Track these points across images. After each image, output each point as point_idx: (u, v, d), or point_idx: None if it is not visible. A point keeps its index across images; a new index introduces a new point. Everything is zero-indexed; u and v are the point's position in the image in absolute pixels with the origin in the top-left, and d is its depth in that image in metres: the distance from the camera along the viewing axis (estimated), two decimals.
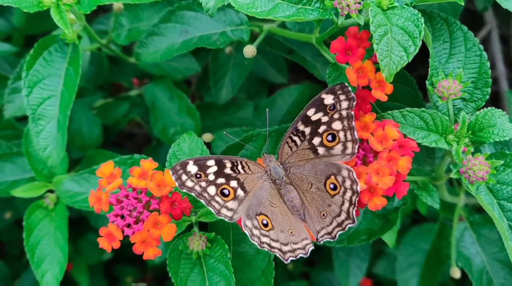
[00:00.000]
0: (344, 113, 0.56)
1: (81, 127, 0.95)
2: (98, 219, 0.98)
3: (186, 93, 0.93)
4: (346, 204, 0.56)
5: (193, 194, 0.56)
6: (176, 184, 0.56)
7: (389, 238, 0.70)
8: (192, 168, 0.56)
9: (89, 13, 0.69)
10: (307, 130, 0.57)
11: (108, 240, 0.58)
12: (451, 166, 0.58)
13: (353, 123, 0.56)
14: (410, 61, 0.51)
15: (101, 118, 0.98)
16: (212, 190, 0.57)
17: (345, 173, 0.56)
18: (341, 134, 0.56)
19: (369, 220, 0.69)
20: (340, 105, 0.56)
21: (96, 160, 0.87)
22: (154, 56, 0.77)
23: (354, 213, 0.56)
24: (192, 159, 0.57)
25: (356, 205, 0.56)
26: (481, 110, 0.59)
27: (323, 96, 0.56)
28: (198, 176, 0.56)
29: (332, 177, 0.57)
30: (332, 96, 0.56)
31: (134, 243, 0.58)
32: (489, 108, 0.58)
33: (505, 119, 0.57)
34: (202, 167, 0.57)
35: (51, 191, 0.83)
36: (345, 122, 0.56)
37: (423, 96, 0.66)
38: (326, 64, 0.72)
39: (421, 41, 0.51)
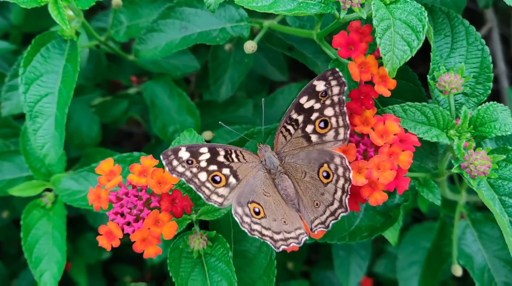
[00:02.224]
0: (335, 98, 0.56)
1: (79, 125, 0.95)
2: (96, 218, 0.97)
3: (185, 91, 0.93)
4: (339, 192, 0.56)
5: (183, 179, 0.56)
6: (166, 168, 0.56)
7: (391, 235, 0.69)
8: (184, 154, 0.56)
9: (88, 10, 0.69)
10: (300, 118, 0.57)
11: (107, 238, 0.58)
12: (452, 161, 0.58)
13: (345, 108, 0.56)
14: (413, 55, 0.50)
15: (100, 116, 0.97)
16: (203, 176, 0.56)
17: (337, 160, 0.56)
18: (333, 120, 0.56)
19: (370, 217, 0.69)
20: (331, 91, 0.56)
21: (94, 159, 0.86)
22: (153, 52, 0.77)
23: (346, 201, 0.56)
24: (185, 146, 0.56)
25: (349, 193, 0.55)
26: (483, 104, 0.59)
27: (315, 83, 0.56)
28: (190, 162, 0.56)
29: (325, 165, 0.56)
30: (324, 82, 0.56)
31: (134, 242, 0.57)
32: (491, 102, 0.58)
33: (507, 114, 0.57)
34: (195, 154, 0.56)
35: (49, 190, 0.82)
36: (337, 108, 0.56)
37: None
38: (327, 61, 0.72)
39: (424, 36, 0.51)
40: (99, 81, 1.01)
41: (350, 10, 0.54)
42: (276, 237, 0.57)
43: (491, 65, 0.62)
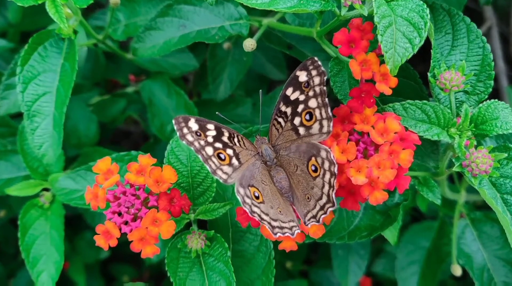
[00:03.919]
0: (317, 89, 0.55)
1: (77, 124, 0.94)
2: (94, 217, 0.96)
3: (183, 89, 0.92)
4: (326, 187, 0.56)
5: (192, 148, 0.56)
6: (177, 134, 0.56)
7: (390, 235, 0.69)
8: (194, 125, 0.56)
9: (86, 8, 0.68)
10: (289, 111, 0.57)
11: (105, 238, 0.57)
12: (453, 160, 0.58)
13: (326, 99, 0.56)
14: (415, 53, 0.50)
15: (98, 115, 0.97)
16: (209, 150, 0.57)
17: (323, 154, 0.56)
18: (317, 112, 0.56)
19: (370, 216, 0.69)
20: (313, 81, 0.55)
21: (92, 158, 0.86)
22: (151, 51, 0.76)
23: (333, 195, 0.56)
24: (194, 117, 0.57)
25: (335, 187, 0.55)
26: (484, 102, 0.58)
27: (297, 73, 0.56)
28: (198, 134, 0.56)
29: (313, 158, 0.57)
30: (305, 73, 0.55)
31: (132, 241, 0.57)
32: (492, 100, 0.58)
33: (508, 112, 0.57)
34: (203, 128, 0.57)
35: (46, 189, 0.82)
36: (319, 99, 0.56)
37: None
38: (327, 59, 0.72)
39: (426, 33, 0.50)
40: (97, 80, 1.00)
41: (351, 7, 0.54)
42: (274, 223, 0.57)
43: (492, 63, 0.61)
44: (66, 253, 0.77)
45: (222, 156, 0.57)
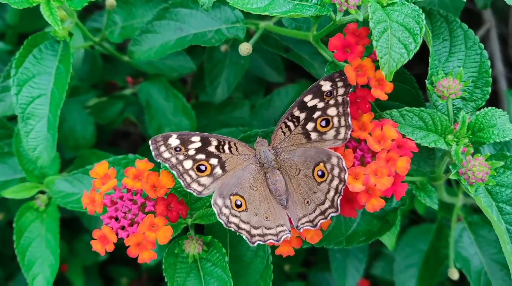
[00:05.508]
0: (340, 99, 0.56)
1: (74, 127, 0.94)
2: (91, 221, 0.96)
3: (181, 92, 0.92)
4: (332, 192, 0.56)
5: (167, 165, 0.57)
6: (153, 153, 0.56)
7: (388, 240, 0.69)
8: (174, 141, 0.57)
9: (84, 10, 0.68)
10: (302, 116, 0.57)
11: (101, 243, 0.57)
12: (450, 167, 0.57)
13: (348, 109, 0.56)
14: (410, 58, 0.49)
15: (95, 117, 0.97)
16: (188, 164, 0.57)
17: (334, 160, 0.56)
18: (335, 119, 0.57)
19: (367, 221, 0.68)
20: (337, 91, 0.56)
21: (89, 160, 0.86)
22: (148, 54, 0.76)
23: (338, 202, 0.56)
24: (177, 133, 0.57)
25: (342, 194, 0.55)
26: (481, 109, 0.58)
27: (321, 83, 0.57)
28: (178, 149, 0.57)
29: (321, 164, 0.57)
30: (330, 83, 0.56)
31: (128, 246, 0.56)
32: (489, 108, 0.57)
33: (506, 119, 0.56)
34: (185, 142, 0.57)
35: (42, 192, 0.82)
36: (340, 108, 0.56)
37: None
38: (324, 63, 0.71)
39: (421, 38, 0.50)
40: (94, 82, 1.00)
41: (347, 12, 0.53)
42: (254, 232, 0.57)
43: (490, 70, 0.61)
44: (65, 256, 0.78)
45: (202, 167, 0.57)
